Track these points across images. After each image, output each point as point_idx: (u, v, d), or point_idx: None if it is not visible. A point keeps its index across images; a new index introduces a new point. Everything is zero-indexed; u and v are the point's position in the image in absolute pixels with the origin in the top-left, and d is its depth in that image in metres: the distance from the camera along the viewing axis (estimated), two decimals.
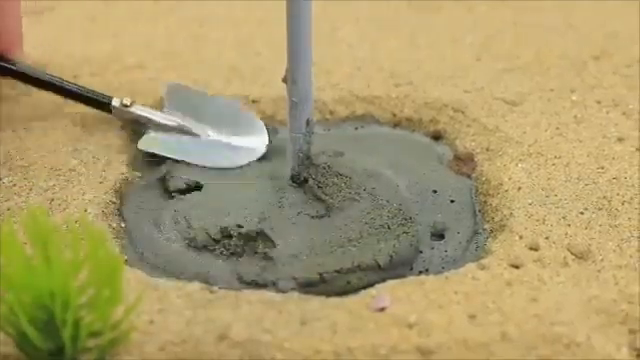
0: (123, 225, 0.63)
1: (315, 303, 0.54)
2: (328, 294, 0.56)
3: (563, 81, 0.78)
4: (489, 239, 0.62)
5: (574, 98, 0.75)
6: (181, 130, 0.70)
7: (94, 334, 0.49)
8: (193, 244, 0.61)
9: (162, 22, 0.89)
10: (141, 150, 0.69)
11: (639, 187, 0.64)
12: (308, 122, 0.64)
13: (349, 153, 0.69)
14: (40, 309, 0.48)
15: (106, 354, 0.50)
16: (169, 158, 0.68)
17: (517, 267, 0.57)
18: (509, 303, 0.54)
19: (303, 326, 0.53)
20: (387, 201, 0.63)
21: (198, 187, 0.66)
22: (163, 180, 0.66)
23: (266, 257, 0.59)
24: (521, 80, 0.78)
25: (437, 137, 0.73)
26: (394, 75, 0.78)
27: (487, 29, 0.87)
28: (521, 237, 0.60)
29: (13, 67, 0.71)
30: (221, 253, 0.60)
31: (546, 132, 0.71)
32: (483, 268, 0.57)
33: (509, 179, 0.65)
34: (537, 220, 0.61)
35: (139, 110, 0.70)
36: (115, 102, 0.70)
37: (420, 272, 0.60)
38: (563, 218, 0.61)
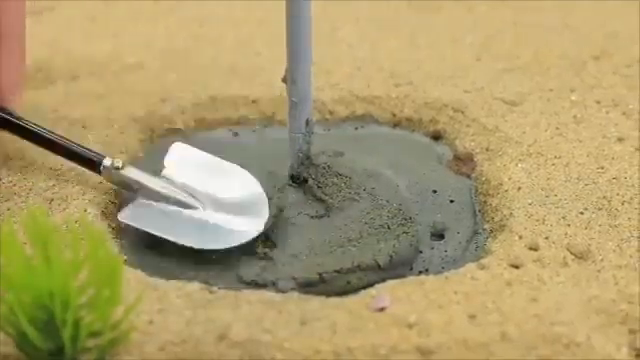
0: (123, 225, 0.63)
1: (315, 303, 0.54)
2: (328, 294, 0.56)
3: (563, 81, 0.78)
4: (489, 239, 0.62)
5: (574, 98, 0.75)
6: (175, 201, 0.62)
7: (94, 334, 0.49)
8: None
9: (162, 22, 0.89)
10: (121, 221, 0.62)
11: (639, 187, 0.64)
12: (308, 122, 0.64)
13: (349, 153, 0.69)
14: (40, 309, 0.48)
15: (106, 354, 0.50)
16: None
17: (517, 267, 0.57)
18: (509, 303, 0.54)
19: (303, 326, 0.53)
20: (387, 201, 0.63)
21: None
22: None
23: (266, 257, 0.59)
24: (521, 80, 0.78)
25: (437, 137, 0.73)
26: (394, 75, 0.78)
27: (487, 29, 0.87)
28: (521, 237, 0.60)
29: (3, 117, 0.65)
30: (221, 253, 0.60)
31: (546, 132, 0.71)
32: (483, 268, 0.57)
33: (509, 179, 0.65)
34: (537, 220, 0.61)
35: (131, 174, 0.63)
36: (106, 162, 0.63)
37: (420, 272, 0.60)
38: (563, 218, 0.61)
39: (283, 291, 0.56)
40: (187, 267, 0.59)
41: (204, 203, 0.62)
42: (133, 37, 0.86)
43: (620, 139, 0.69)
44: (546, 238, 0.60)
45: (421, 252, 0.61)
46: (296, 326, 0.52)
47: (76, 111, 0.72)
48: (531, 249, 0.59)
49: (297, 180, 0.66)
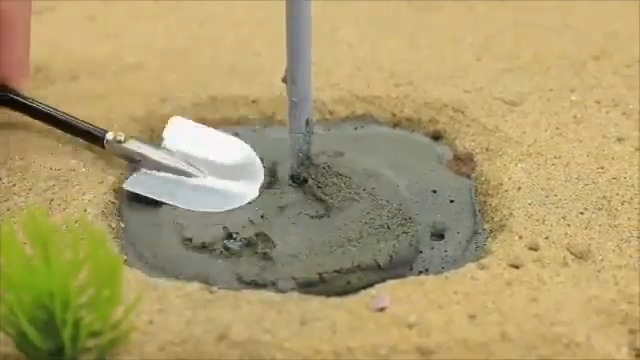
0: (123, 225, 0.63)
1: (315, 303, 0.54)
2: (328, 294, 0.56)
3: (563, 81, 0.78)
4: (489, 239, 0.62)
5: (574, 98, 0.75)
6: (176, 170, 0.66)
7: (94, 334, 0.49)
8: (192, 244, 0.61)
9: (162, 22, 0.89)
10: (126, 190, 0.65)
11: (639, 187, 0.64)
12: (308, 122, 0.64)
13: (349, 153, 0.69)
14: (40, 309, 0.48)
15: (106, 354, 0.50)
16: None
17: (517, 267, 0.57)
18: (509, 303, 0.54)
19: (303, 326, 0.53)
20: (387, 201, 0.63)
21: None
22: None
23: (266, 257, 0.59)
24: (521, 80, 0.78)
25: (437, 137, 0.73)
26: (394, 75, 0.78)
27: (487, 29, 0.87)
28: (521, 237, 0.60)
29: (7, 97, 0.69)
30: (220, 253, 0.60)
31: (546, 132, 0.71)
32: (483, 268, 0.57)
33: (509, 179, 0.65)
34: (537, 220, 0.61)
35: (133, 146, 0.66)
36: (109, 136, 0.67)
37: (420, 272, 0.60)
38: (563, 218, 0.61)
39: (283, 291, 0.56)
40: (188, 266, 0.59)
41: (204, 171, 0.66)
42: (133, 37, 0.86)
43: (620, 139, 0.69)
44: (546, 238, 0.60)
45: (421, 252, 0.61)
46: (296, 326, 0.52)
47: (76, 111, 0.72)
48: (531, 249, 0.59)
49: (297, 180, 0.66)
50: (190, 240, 0.61)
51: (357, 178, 0.65)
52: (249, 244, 0.60)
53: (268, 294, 0.56)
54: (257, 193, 0.65)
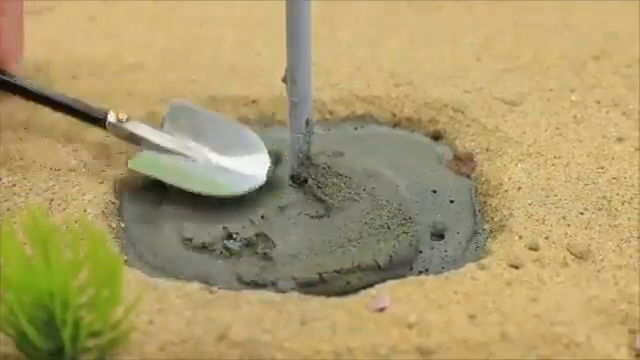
0: (123, 225, 0.63)
1: (315, 303, 0.54)
2: (328, 294, 0.56)
3: (563, 81, 0.78)
4: (489, 239, 0.62)
5: (574, 98, 0.75)
6: (177, 153, 0.66)
7: (94, 334, 0.49)
8: (192, 244, 0.61)
9: (162, 22, 0.89)
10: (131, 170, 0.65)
11: (639, 187, 0.64)
12: (308, 122, 0.64)
13: (349, 153, 0.69)
14: (40, 309, 0.48)
15: (106, 354, 0.50)
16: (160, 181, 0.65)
17: (517, 267, 0.57)
18: (509, 303, 0.54)
19: (303, 326, 0.53)
20: (387, 201, 0.63)
21: None
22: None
23: (266, 257, 0.59)
24: (521, 80, 0.78)
25: (437, 137, 0.73)
26: (394, 75, 0.78)
27: (487, 29, 0.87)
28: (521, 237, 0.60)
29: (5, 80, 0.68)
30: (220, 253, 0.60)
31: (546, 132, 0.71)
32: (483, 268, 0.57)
33: (509, 179, 0.65)
34: (537, 220, 0.61)
35: (134, 127, 0.66)
36: (110, 117, 0.66)
37: (420, 272, 0.60)
38: (563, 218, 0.62)
39: (283, 291, 0.56)
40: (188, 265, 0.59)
41: (206, 155, 0.66)
42: (133, 37, 0.86)
43: (620, 139, 0.69)
44: (546, 238, 0.60)
45: (421, 252, 0.61)
46: (296, 326, 0.52)
47: None
48: (531, 249, 0.59)
49: (297, 180, 0.66)
50: (190, 240, 0.61)
51: (357, 178, 0.65)
52: (249, 244, 0.60)
53: (268, 294, 0.56)
54: (264, 178, 0.65)
